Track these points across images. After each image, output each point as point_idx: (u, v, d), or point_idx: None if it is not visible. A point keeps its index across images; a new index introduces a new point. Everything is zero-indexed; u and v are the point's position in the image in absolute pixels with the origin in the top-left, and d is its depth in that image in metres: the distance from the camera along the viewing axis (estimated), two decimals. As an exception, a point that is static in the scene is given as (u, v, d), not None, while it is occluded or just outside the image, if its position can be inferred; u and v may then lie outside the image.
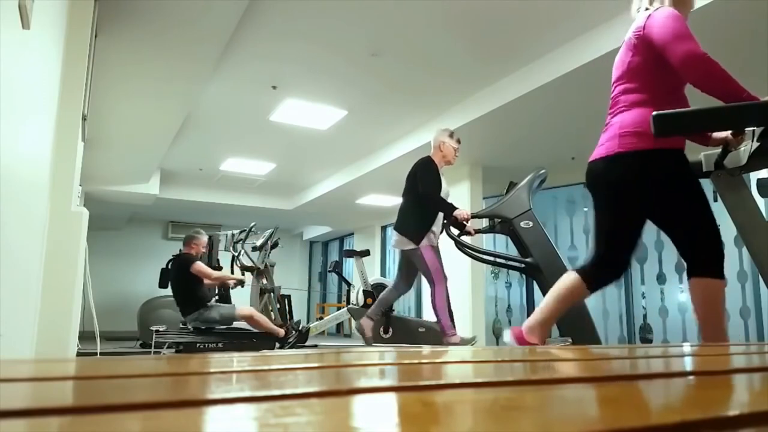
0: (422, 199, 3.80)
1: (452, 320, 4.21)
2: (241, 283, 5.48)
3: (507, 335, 2.17)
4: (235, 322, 5.34)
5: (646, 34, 1.86)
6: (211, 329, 5.16)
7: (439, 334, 4.12)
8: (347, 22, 3.88)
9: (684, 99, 1.94)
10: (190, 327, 5.09)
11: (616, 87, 2.01)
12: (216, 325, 5.12)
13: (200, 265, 5.10)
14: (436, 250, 3.91)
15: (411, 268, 4.05)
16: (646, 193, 1.90)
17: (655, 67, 1.89)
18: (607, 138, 1.95)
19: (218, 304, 5.33)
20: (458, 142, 4.03)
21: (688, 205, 1.87)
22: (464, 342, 3.92)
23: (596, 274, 2.01)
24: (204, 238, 5.44)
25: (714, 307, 1.84)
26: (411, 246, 3.82)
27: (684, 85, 1.92)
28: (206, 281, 5.25)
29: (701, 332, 1.86)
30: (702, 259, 1.84)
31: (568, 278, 2.02)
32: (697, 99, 1.78)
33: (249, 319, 5.12)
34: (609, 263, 2.00)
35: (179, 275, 5.17)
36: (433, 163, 3.90)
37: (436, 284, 3.81)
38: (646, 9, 1.93)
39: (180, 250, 7.60)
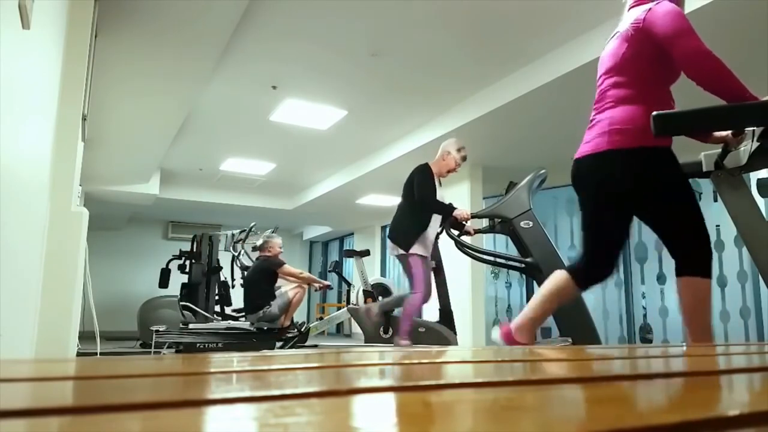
0: (420, 203, 3.79)
1: (452, 322, 4.22)
2: (329, 287, 5.66)
3: (495, 332, 2.15)
4: (234, 323, 5.38)
5: (646, 27, 1.85)
6: (215, 330, 5.18)
7: (438, 335, 4.13)
8: (347, 22, 3.88)
9: (670, 98, 1.94)
10: (253, 328, 5.19)
11: (604, 80, 1.99)
12: (277, 319, 5.22)
13: (289, 268, 5.32)
14: (425, 260, 3.90)
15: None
16: (636, 191, 1.90)
17: (648, 61, 1.89)
18: (595, 135, 1.94)
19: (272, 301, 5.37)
20: (463, 159, 4.00)
21: (677, 203, 1.87)
22: None
23: (587, 273, 2.01)
24: (279, 240, 5.55)
25: (702, 306, 1.84)
26: (401, 251, 3.82)
27: (672, 83, 1.93)
28: (291, 279, 5.40)
29: (688, 331, 1.87)
30: (691, 258, 1.85)
31: (558, 277, 2.01)
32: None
33: (301, 291, 5.33)
34: (599, 262, 2.00)
35: (260, 276, 5.28)
36: (430, 170, 3.88)
37: (416, 292, 3.84)
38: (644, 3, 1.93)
39: (180, 250, 7.61)
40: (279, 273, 5.25)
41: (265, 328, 5.19)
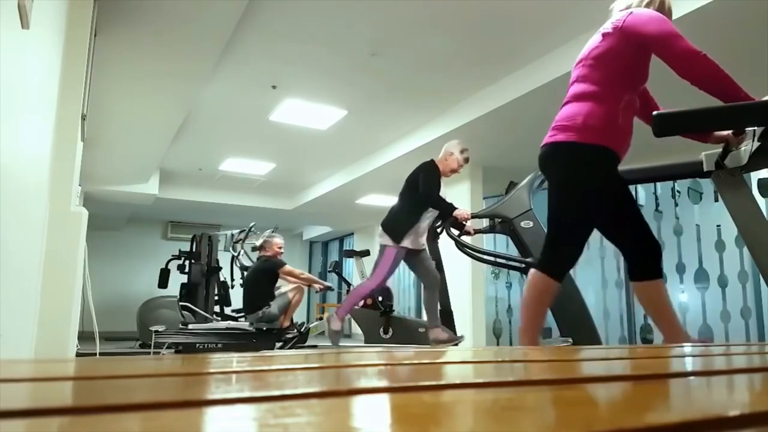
0: (424, 198, 3.83)
1: (452, 322, 4.22)
2: (330, 288, 5.70)
3: None
4: (233, 323, 5.38)
5: (625, 27, 1.88)
6: (215, 331, 5.17)
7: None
8: (347, 22, 3.88)
9: (632, 103, 1.93)
10: (252, 328, 5.18)
11: (573, 71, 2.05)
12: (276, 319, 5.22)
13: (290, 268, 5.32)
14: (418, 254, 3.94)
15: (417, 266, 4.07)
16: (568, 185, 1.95)
17: (616, 60, 1.91)
18: (549, 128, 2.02)
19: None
20: (466, 160, 4.07)
21: (607, 205, 1.92)
22: (334, 334, 4.17)
23: (552, 262, 1.96)
24: (279, 240, 5.53)
25: (661, 305, 1.88)
26: (387, 242, 3.86)
27: (636, 88, 1.95)
28: (291, 280, 5.39)
29: (660, 331, 1.92)
30: (638, 262, 1.88)
31: (533, 280, 1.96)
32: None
33: (300, 292, 5.35)
34: (559, 247, 1.97)
35: (260, 276, 5.27)
36: (437, 167, 3.95)
37: (372, 281, 3.93)
38: (627, 8, 1.96)
39: (180, 250, 7.61)
40: (280, 273, 5.25)
41: (264, 328, 5.19)
